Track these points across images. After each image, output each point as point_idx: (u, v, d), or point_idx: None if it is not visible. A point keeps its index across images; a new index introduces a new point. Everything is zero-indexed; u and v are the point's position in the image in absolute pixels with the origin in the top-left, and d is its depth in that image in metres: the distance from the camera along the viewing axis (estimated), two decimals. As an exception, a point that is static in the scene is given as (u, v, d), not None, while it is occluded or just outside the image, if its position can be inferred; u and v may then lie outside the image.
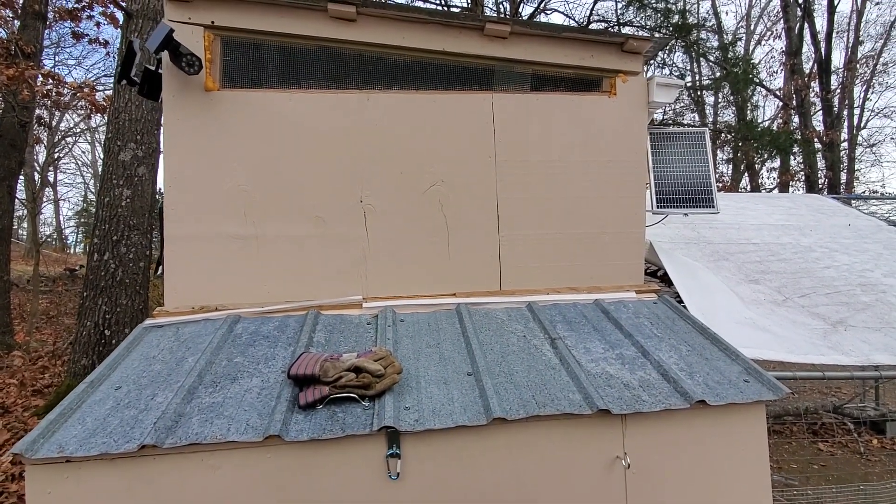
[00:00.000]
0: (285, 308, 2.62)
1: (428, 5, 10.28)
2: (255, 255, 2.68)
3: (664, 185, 3.16)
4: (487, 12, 11.71)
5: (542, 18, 12.52)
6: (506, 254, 2.94)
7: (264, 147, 2.71)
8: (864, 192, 15.86)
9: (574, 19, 13.01)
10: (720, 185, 16.52)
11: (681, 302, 3.01)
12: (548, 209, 2.96)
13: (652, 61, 11.94)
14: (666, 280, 3.44)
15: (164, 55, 2.56)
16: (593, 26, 12.14)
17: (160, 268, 2.78)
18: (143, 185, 5.51)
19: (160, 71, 2.69)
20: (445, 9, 10.61)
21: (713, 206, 3.09)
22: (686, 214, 3.19)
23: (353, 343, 2.39)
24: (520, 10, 12.09)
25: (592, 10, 11.27)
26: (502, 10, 12.17)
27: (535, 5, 11.97)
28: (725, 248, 3.93)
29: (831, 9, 14.17)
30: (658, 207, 3.16)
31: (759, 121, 16.36)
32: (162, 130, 2.62)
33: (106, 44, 10.90)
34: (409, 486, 1.85)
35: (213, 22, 2.67)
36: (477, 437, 1.92)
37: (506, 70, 2.95)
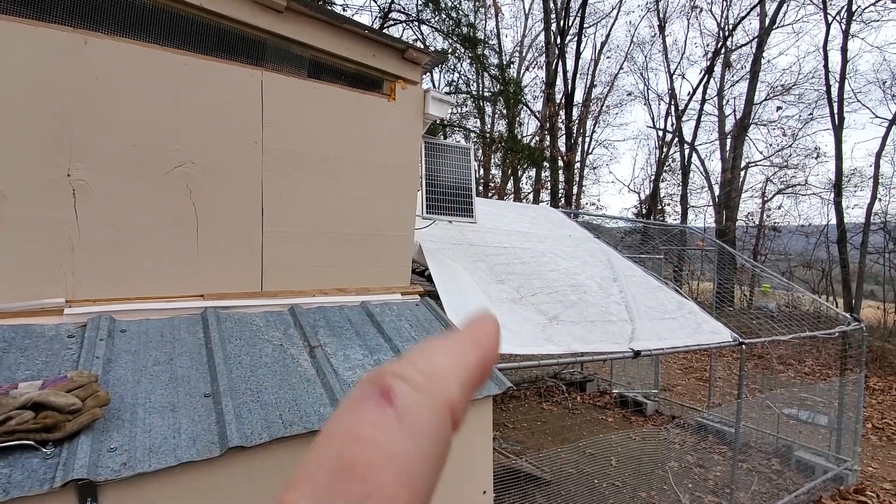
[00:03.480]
0: (-79, 319, 1.83)
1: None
2: None
3: (433, 193, 3.37)
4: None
5: (345, -5, 12.10)
6: (270, 251, 2.69)
7: None
8: (586, 204, 20.50)
9: (377, 1, 12.98)
10: (493, 185, 19.07)
11: (440, 302, 3.27)
12: (320, 206, 2.82)
13: (443, 65, 12.83)
14: (432, 279, 3.70)
15: None
16: (394, 16, 12.34)
17: None
18: None
19: None
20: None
21: (472, 217, 3.45)
22: (451, 222, 3.48)
23: (40, 366, 1.82)
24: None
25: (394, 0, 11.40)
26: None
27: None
28: (483, 250, 4.47)
29: (577, 54, 17.68)
30: (427, 213, 3.36)
31: (524, 135, 19.44)
32: None
33: None
34: (107, 546, 1.51)
35: None
36: (208, 472, 1.68)
37: (281, 48, 2.66)
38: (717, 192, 18.27)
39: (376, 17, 12.43)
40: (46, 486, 1.41)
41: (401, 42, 2.94)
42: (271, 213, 2.67)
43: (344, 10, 12.64)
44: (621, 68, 21.87)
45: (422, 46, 2.96)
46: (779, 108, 17.53)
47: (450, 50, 12.04)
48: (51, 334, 1.99)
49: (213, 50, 2.46)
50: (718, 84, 18.50)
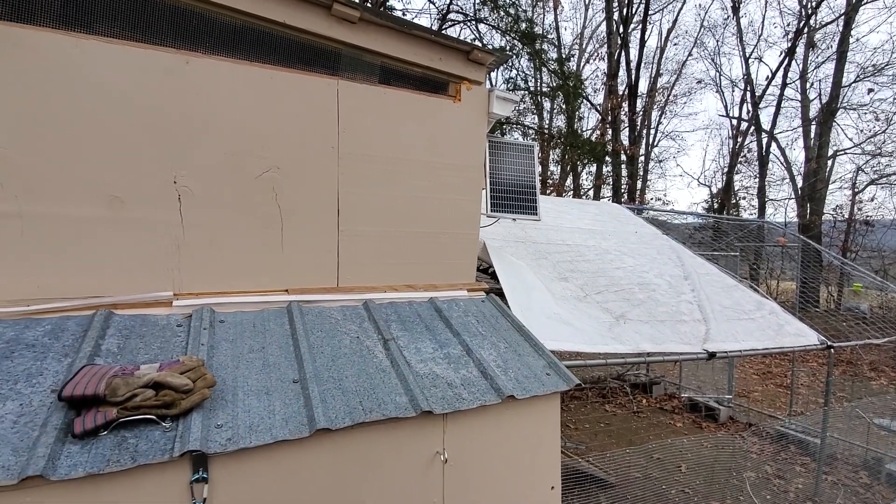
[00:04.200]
0: (62, 307, 2.14)
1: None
2: (17, 240, 2.11)
3: (497, 191, 3.41)
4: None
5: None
6: (345, 249, 2.86)
7: (36, 101, 2.12)
8: (651, 199, 19.61)
9: (435, 4, 13.16)
10: (550, 182, 18.73)
11: (505, 298, 3.31)
12: (389, 206, 2.96)
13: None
14: (496, 276, 3.74)
15: None
16: (451, 17, 12.45)
17: None
18: None
19: None
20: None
21: (536, 215, 3.46)
22: (514, 220, 3.50)
23: (156, 351, 2.07)
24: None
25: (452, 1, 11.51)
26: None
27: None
28: (545, 247, 4.44)
29: (642, 43, 16.95)
30: (492, 211, 3.40)
31: (584, 129, 18.91)
32: None
33: None
34: (216, 511, 1.70)
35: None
36: (298, 450, 1.84)
37: (354, 57, 2.81)
38: (800, 184, 16.83)
39: (435, 19, 12.61)
40: (167, 455, 1.62)
41: (466, 44, 3.00)
42: (346, 213, 2.83)
43: (404, 14, 12.93)
44: (690, 55, 20.81)
45: (483, 46, 3.01)
46: (870, 90, 15.83)
47: (507, 47, 11.97)
48: (163, 323, 2.25)
49: (294, 62, 2.65)
50: (801, 66, 17.02)
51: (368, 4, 11.66)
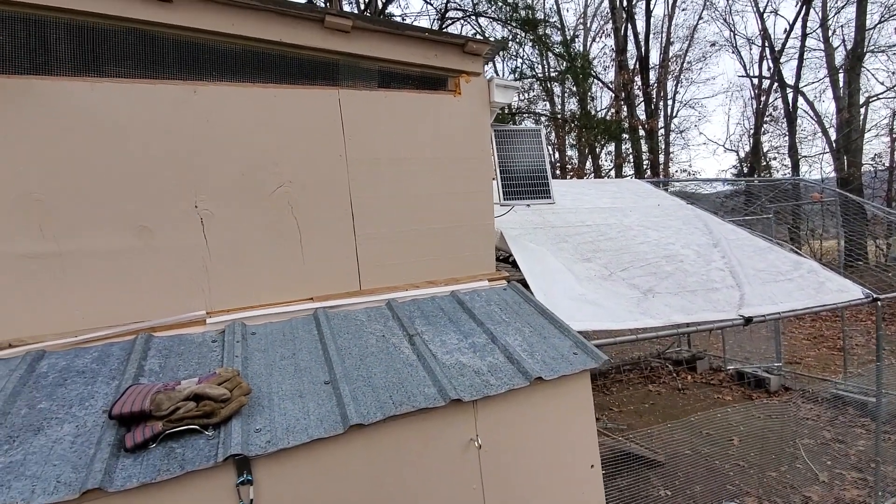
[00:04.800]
0: (106, 335, 2.28)
1: None
2: (60, 277, 2.27)
3: (509, 179, 3.41)
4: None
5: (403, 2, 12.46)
6: (363, 253, 2.92)
7: (62, 146, 2.28)
8: (675, 171, 19.05)
9: (432, 4, 13.21)
10: (570, 167, 18.46)
11: (527, 285, 3.31)
12: (403, 205, 3.01)
13: (504, 53, 12.69)
14: (517, 265, 3.74)
15: None
16: (450, 14, 12.46)
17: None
18: None
19: None
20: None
21: (550, 198, 3.44)
22: (529, 206, 3.49)
23: (195, 366, 2.18)
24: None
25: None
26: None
27: (394, -11, 11.85)
28: (565, 230, 4.41)
29: (648, 13, 16.51)
30: (505, 199, 3.41)
31: (598, 109, 18.55)
32: None
33: None
34: (263, 510, 1.78)
35: (-29, -10, 2.14)
36: (335, 447, 1.90)
37: (352, 65, 2.88)
38: (833, 137, 16.02)
39: (434, 19, 12.64)
40: (212, 461, 1.71)
41: (460, 37, 3.03)
42: (360, 217, 2.90)
43: (403, 18, 13.03)
44: (700, 18, 20.08)
45: (477, 37, 3.02)
46: (901, 27, 14.89)
47: (510, 36, 11.88)
48: (198, 340, 2.37)
49: (295, 78, 2.74)
50: (820, 14, 16.19)
51: (367, 13, 11.82)
